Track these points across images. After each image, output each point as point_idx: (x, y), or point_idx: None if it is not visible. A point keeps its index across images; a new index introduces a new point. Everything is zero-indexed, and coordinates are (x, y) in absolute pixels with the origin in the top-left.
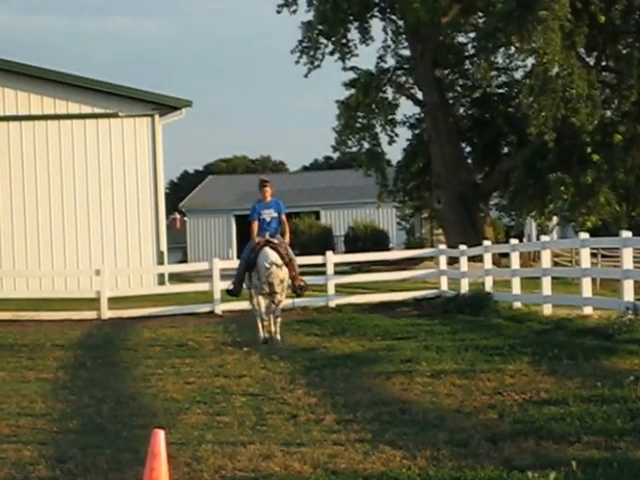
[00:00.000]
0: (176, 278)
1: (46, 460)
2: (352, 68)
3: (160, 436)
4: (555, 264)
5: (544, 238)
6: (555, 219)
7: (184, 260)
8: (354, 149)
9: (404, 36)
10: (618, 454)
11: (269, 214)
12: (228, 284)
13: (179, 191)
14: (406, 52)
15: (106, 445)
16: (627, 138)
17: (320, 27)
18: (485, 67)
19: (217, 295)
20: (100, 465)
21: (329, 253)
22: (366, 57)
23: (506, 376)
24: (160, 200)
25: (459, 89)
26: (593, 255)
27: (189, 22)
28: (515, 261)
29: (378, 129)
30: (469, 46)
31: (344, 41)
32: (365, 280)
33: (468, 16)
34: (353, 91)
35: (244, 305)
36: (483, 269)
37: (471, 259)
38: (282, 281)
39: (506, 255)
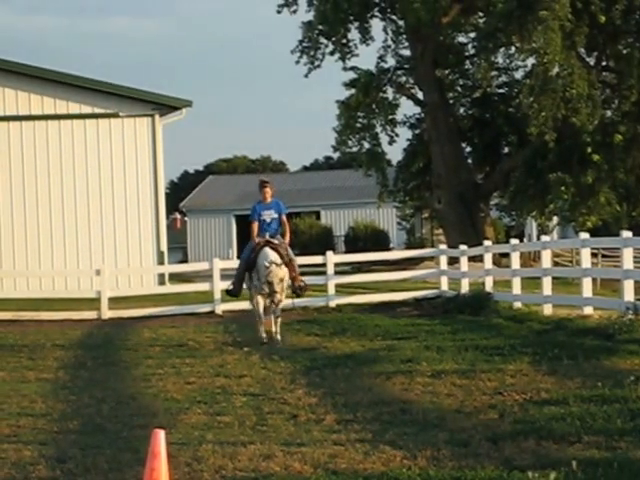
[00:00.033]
0: (176, 278)
1: (46, 460)
2: (352, 68)
3: (160, 436)
4: (555, 264)
5: (544, 238)
6: (555, 219)
7: (184, 260)
8: (354, 149)
9: (404, 36)
10: (618, 454)
11: (269, 215)
12: (228, 284)
13: (179, 191)
14: (406, 52)
15: (106, 445)
16: (627, 138)
17: (320, 27)
18: (485, 67)
19: (217, 295)
20: (100, 465)
21: (329, 253)
22: (366, 57)
23: (506, 376)
24: (160, 200)
25: (459, 89)
26: (593, 255)
27: (189, 22)
28: (515, 261)
29: (378, 129)
30: (469, 46)
31: (344, 41)
32: (365, 280)
33: (468, 16)
34: (353, 91)
35: (244, 305)
36: (483, 269)
37: (471, 259)
38: (281, 280)
39: (506, 255)
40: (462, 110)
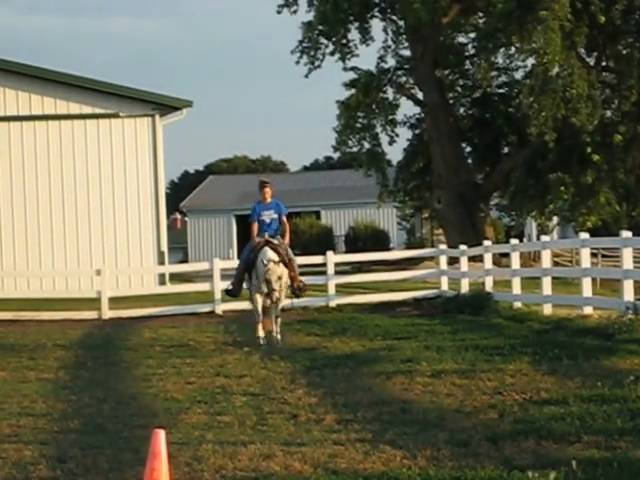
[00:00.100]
0: (177, 278)
1: (47, 460)
2: (352, 68)
3: (161, 436)
4: (555, 264)
5: (544, 238)
6: (555, 219)
7: (185, 260)
8: (354, 149)
9: (404, 36)
10: (618, 454)
11: (269, 215)
12: (228, 284)
13: (180, 191)
14: (406, 52)
15: (107, 445)
16: (627, 138)
17: (320, 27)
18: (485, 67)
19: (218, 295)
20: (101, 465)
21: (329, 253)
22: (366, 57)
23: (506, 376)
24: (161, 200)
25: (459, 89)
26: (593, 255)
27: (189, 22)
28: (515, 261)
29: (378, 129)
30: (469, 46)
31: (344, 41)
32: (365, 280)
33: (468, 16)
34: (353, 91)
35: (245, 305)
36: (483, 269)
37: (471, 259)
38: (279, 278)
39: (506, 255)
40: (462, 110)
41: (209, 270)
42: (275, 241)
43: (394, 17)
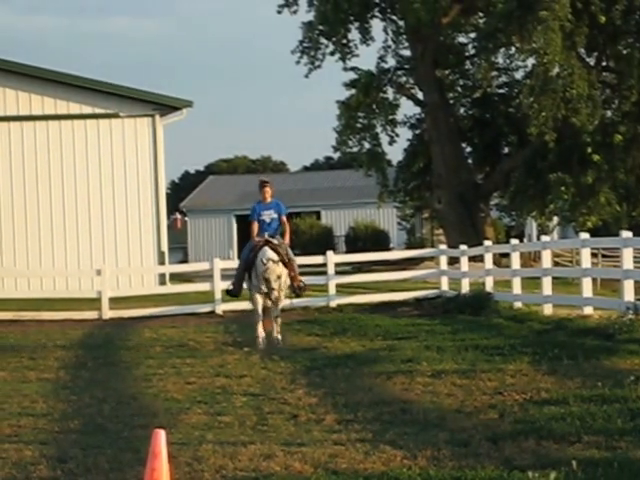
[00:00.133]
0: (177, 278)
1: (47, 460)
2: (353, 68)
3: (161, 436)
4: (555, 264)
5: (544, 238)
6: (555, 219)
7: (185, 260)
8: (355, 149)
9: (405, 36)
10: (618, 454)
11: (269, 215)
12: (228, 284)
13: (180, 191)
14: (407, 52)
15: (107, 445)
16: (627, 138)
17: (321, 27)
18: (485, 67)
19: (218, 295)
20: (101, 465)
21: (330, 253)
22: (366, 57)
23: (507, 376)
24: (161, 200)
25: (460, 89)
26: (593, 255)
27: (189, 22)
28: (516, 261)
29: (379, 129)
30: (470, 46)
31: (345, 41)
32: (366, 280)
33: (468, 16)
34: (354, 91)
35: (245, 305)
36: (484, 269)
37: (472, 259)
38: (279, 277)
39: (507, 255)
40: (462, 110)
41: (209, 270)
42: (275, 241)
43: (394, 17)
